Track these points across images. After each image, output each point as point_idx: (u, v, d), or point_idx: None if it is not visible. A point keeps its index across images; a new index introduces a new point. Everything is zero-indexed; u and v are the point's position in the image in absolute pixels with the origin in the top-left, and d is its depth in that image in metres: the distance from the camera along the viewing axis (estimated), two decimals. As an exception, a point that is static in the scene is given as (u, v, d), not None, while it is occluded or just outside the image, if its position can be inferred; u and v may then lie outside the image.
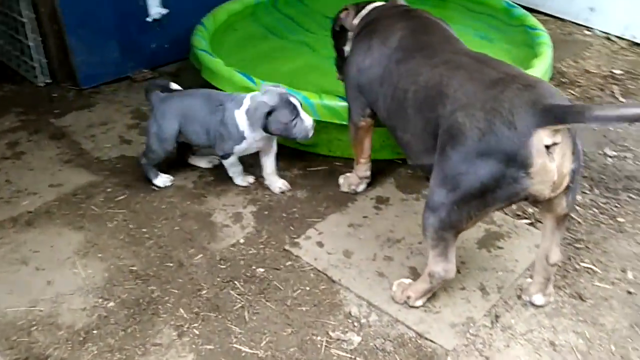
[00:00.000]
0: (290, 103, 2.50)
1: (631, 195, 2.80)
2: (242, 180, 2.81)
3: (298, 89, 2.80)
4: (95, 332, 2.12)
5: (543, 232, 2.09)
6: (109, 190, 2.81)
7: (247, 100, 2.56)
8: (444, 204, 1.91)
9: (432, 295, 2.21)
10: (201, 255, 2.45)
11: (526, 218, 2.64)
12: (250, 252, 2.47)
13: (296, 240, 2.51)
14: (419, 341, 2.08)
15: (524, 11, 3.80)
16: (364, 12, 2.63)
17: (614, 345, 2.06)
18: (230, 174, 2.79)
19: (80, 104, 3.54)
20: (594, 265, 2.39)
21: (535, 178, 1.77)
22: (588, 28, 4.50)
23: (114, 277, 2.34)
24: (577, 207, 2.70)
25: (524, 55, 3.41)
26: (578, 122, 1.70)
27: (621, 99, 3.64)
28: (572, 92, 3.70)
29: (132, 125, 3.32)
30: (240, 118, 2.56)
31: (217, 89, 3.10)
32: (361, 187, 2.77)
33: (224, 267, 2.40)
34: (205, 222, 2.62)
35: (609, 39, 4.37)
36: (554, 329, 2.12)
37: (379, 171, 2.86)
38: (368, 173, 2.75)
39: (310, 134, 2.55)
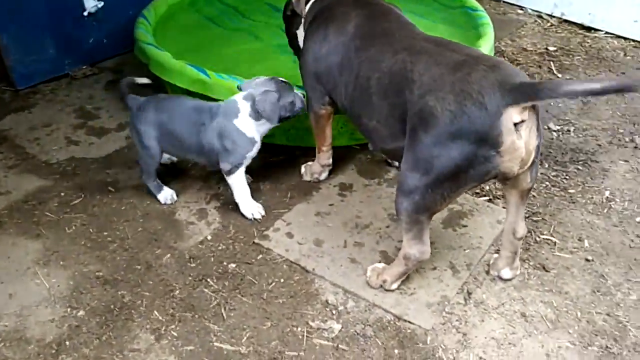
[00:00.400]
0: (283, 82, 2.47)
1: (578, 167, 2.94)
2: (255, 207, 2.57)
3: (245, 78, 2.77)
4: (68, 343, 2.04)
5: (508, 208, 2.17)
6: (62, 194, 2.70)
7: (242, 104, 2.43)
8: (418, 188, 1.95)
9: (406, 277, 2.25)
10: (169, 255, 2.40)
11: (485, 195, 2.73)
12: (220, 248, 2.43)
13: (265, 232, 2.49)
14: (398, 323, 2.12)
15: (463, -8, 3.88)
16: None
17: (580, 311, 2.17)
18: (239, 198, 2.54)
19: (18, 105, 3.36)
20: (552, 236, 2.50)
21: (505, 156, 1.83)
22: (520, 7, 4.67)
23: (80, 285, 2.25)
24: (531, 182, 2.81)
25: (467, 37, 3.49)
26: (549, 98, 1.77)
27: (558, 74, 3.80)
28: (512, 70, 3.82)
29: (78, 126, 3.18)
30: (245, 124, 2.43)
31: (167, 83, 3.03)
32: (323, 175, 2.78)
33: (194, 265, 2.36)
34: (169, 221, 2.56)
35: (540, 17, 4.54)
36: (523, 300, 2.21)
37: (339, 158, 2.87)
38: (330, 161, 2.76)
39: (304, 103, 2.54)
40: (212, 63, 3.12)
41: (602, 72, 3.83)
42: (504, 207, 2.63)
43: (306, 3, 2.65)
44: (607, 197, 2.73)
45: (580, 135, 3.21)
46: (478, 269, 2.34)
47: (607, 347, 2.04)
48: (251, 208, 2.55)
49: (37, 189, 2.72)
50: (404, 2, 3.95)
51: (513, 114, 1.78)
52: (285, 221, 2.55)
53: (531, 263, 2.37)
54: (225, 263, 2.36)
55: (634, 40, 4.18)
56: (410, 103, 1.97)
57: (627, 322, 2.13)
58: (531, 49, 4.11)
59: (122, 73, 3.63)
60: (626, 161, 2.97)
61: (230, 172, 2.48)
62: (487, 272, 2.32)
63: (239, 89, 2.53)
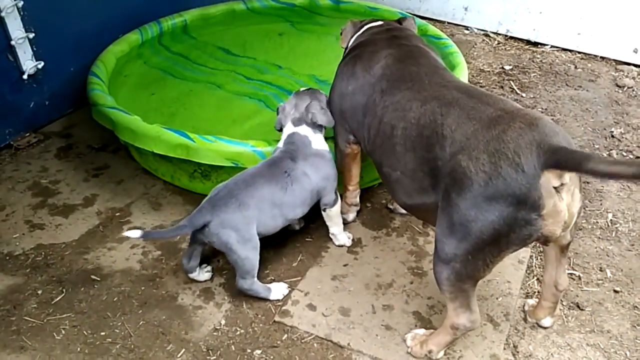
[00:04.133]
0: (304, 92, 2.48)
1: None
2: (345, 235, 2.54)
3: (221, 135, 2.58)
4: None
5: (547, 261, 2.08)
6: (39, 292, 2.36)
7: (304, 129, 2.40)
8: (457, 255, 1.82)
9: (447, 339, 2.12)
10: (183, 350, 2.14)
11: (495, 233, 2.65)
12: (238, 333, 2.20)
13: (284, 308, 2.28)
14: (454, 393, 1.98)
15: (423, 21, 3.84)
16: (359, 32, 2.52)
17: (627, 350, 2.13)
18: (337, 228, 2.50)
19: (-41, 188, 2.95)
20: (574, 269, 2.46)
21: (547, 219, 1.71)
22: (466, 27, 4.71)
23: (90, 405, 1.95)
24: (534, 212, 2.76)
25: (437, 66, 3.43)
26: (590, 174, 1.64)
27: (521, 93, 3.83)
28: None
29: (37, 205, 2.82)
30: (319, 142, 2.41)
31: (136, 149, 2.75)
32: (351, 216, 2.66)
33: (214, 358, 2.11)
34: (173, 308, 2.29)
35: (487, 35, 4.60)
36: (569, 346, 2.14)
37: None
38: (357, 200, 2.66)
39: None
40: (183, 124, 2.88)
41: (561, 88, 3.90)
42: (518, 244, 2.57)
43: (351, 38, 2.55)
44: (611, 219, 2.73)
45: (562, 156, 3.22)
46: (516, 317, 2.24)
47: (665, 385, 1.99)
48: (345, 235, 2.54)
49: (8, 289, 2.36)
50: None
51: (551, 178, 1.67)
52: (302, 291, 2.35)
53: (564, 303, 2.31)
54: (249, 350, 2.13)
55: (579, 52, 4.30)
56: (441, 160, 1.85)
57: (675, 354, 2.10)
58: (488, 69, 4.13)
59: (71, 137, 3.29)
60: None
61: (335, 202, 2.42)
62: (525, 320, 2.23)
63: (279, 115, 2.47)
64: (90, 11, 3.48)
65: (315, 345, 2.15)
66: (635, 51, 4.12)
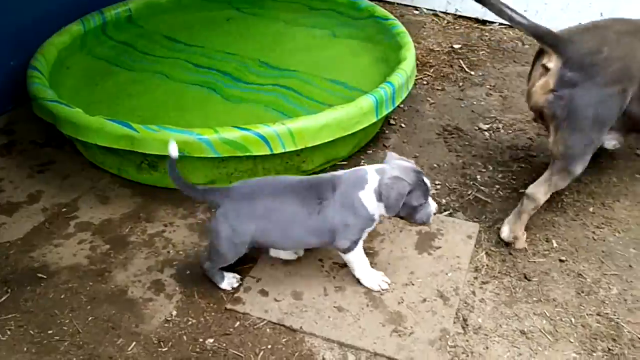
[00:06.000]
0: (424, 184, 2.09)
1: (520, 164, 2.99)
2: (379, 277, 2.26)
3: (166, 124, 2.55)
4: None
5: None
6: (-18, 294, 2.29)
7: (372, 176, 2.09)
8: None
9: (398, 317, 2.14)
10: (134, 343, 2.11)
11: (445, 210, 2.68)
12: (190, 323, 2.18)
13: (236, 295, 2.27)
14: (406, 369, 2.00)
15: (370, 2, 3.84)
16: None
17: (573, 317, 2.18)
18: (360, 272, 2.23)
19: None
20: (520, 243, 2.50)
21: None
22: (415, 7, 4.72)
23: (38, 404, 1.91)
24: (483, 188, 2.81)
25: (385, 49, 3.45)
26: None
27: (470, 71, 3.87)
28: (427, 73, 3.85)
29: (-21, 205, 2.74)
30: (368, 199, 2.08)
31: (81, 142, 2.69)
32: None
33: (166, 349, 2.09)
34: (123, 302, 2.26)
35: (436, 15, 4.62)
36: (517, 316, 2.18)
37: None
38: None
39: (431, 220, 2.17)
40: (130, 114, 2.82)
41: (508, 64, 3.95)
42: (466, 220, 2.61)
43: None
44: (558, 192, 2.78)
45: (510, 131, 3.27)
46: (465, 291, 2.28)
47: (609, 349, 2.05)
48: (376, 279, 2.25)
49: (-51, 293, 2.29)
50: (307, 18, 3.87)
51: None
52: (254, 277, 2.34)
53: (512, 274, 2.35)
54: (201, 340, 2.11)
55: (526, 29, 4.35)
56: None
57: (618, 318, 2.16)
58: (438, 49, 4.15)
59: (14, 133, 3.19)
60: (561, 152, 3.05)
61: (349, 250, 2.16)
62: (474, 293, 2.27)
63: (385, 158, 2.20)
64: (30, 3, 3.37)
65: (267, 330, 2.14)
66: (580, 26, 4.18)
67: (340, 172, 2.18)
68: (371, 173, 2.11)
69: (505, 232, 2.44)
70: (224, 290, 2.28)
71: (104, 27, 3.68)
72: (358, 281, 2.28)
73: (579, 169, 2.34)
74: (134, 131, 2.50)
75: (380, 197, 2.07)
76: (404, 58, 3.10)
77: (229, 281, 2.28)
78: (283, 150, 2.56)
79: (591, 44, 2.24)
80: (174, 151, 2.03)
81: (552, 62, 2.26)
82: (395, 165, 2.12)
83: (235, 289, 2.28)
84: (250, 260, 2.40)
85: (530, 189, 2.39)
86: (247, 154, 2.54)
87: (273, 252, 2.40)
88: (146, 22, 3.85)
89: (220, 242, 2.12)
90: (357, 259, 2.21)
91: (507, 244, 2.46)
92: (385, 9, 3.84)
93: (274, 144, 2.54)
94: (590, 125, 2.25)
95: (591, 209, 2.67)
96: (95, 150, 2.79)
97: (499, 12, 2.37)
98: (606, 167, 2.92)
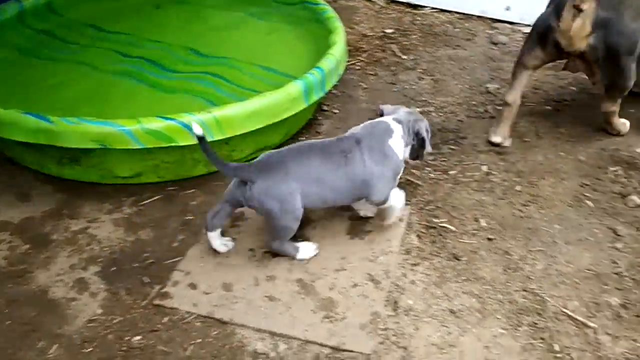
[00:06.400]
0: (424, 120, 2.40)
1: (450, 146, 3.02)
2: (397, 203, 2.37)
3: (89, 116, 2.45)
4: None
5: None
6: None
7: (394, 125, 2.29)
8: None
9: (329, 303, 2.13)
10: (56, 345, 2.02)
11: (377, 194, 2.69)
12: (115, 321, 2.11)
13: (163, 290, 2.21)
14: (337, 355, 2.00)
15: (300, -14, 3.79)
16: None
17: (500, 293, 2.22)
18: (393, 218, 2.39)
19: None
20: (450, 223, 2.53)
21: None
22: (348, -7, 4.69)
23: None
24: (414, 171, 2.82)
25: (315, 33, 3.41)
26: None
27: (403, 55, 3.88)
28: (360, 58, 3.84)
29: None
30: (397, 146, 2.27)
31: (2, 140, 2.55)
32: None
33: (90, 349, 2.02)
34: (44, 304, 2.16)
35: (370, 0, 4.61)
36: (447, 296, 2.21)
37: (215, 188, 2.65)
38: None
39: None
40: (51, 108, 2.69)
41: (440, 48, 3.98)
42: (398, 203, 2.61)
43: None
44: (485, 171, 2.83)
45: (442, 114, 3.30)
46: (396, 274, 2.29)
47: (534, 323, 2.10)
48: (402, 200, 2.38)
49: None
50: (241, 5, 3.80)
51: None
52: (182, 271, 2.28)
53: (442, 255, 2.38)
54: (127, 337, 2.05)
55: (457, 13, 4.40)
56: None
57: (543, 292, 2.22)
58: (371, 34, 4.15)
59: None
60: (486, 132, 3.10)
61: (385, 200, 2.29)
62: (405, 275, 2.28)
63: (381, 113, 2.41)
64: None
65: (197, 324, 2.09)
66: (508, 8, 4.26)
67: (356, 128, 2.32)
68: (392, 122, 2.29)
69: (612, 130, 2.97)
70: (153, 285, 2.22)
71: (22, 16, 3.51)
72: (289, 270, 2.26)
73: (629, 84, 2.74)
74: (51, 124, 2.39)
75: (406, 142, 2.30)
76: (334, 43, 3.08)
77: (305, 249, 2.28)
78: (210, 139, 2.49)
79: None
80: (197, 130, 2.05)
81: (586, 4, 2.49)
82: (402, 111, 2.37)
83: (163, 284, 2.22)
84: (178, 254, 2.34)
85: (605, 107, 2.85)
86: (172, 144, 2.46)
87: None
88: (68, 10, 3.68)
89: (277, 216, 2.14)
90: (395, 202, 2.33)
91: (436, 227, 2.49)
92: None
93: (200, 133, 2.46)
94: (626, 57, 2.62)
95: (518, 188, 2.72)
96: (13, 146, 2.65)
97: None
98: (532, 146, 2.99)
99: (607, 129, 3.00)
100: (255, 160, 2.18)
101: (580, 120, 3.16)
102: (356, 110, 3.31)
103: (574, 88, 3.49)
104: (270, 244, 2.27)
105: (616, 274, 2.28)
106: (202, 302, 2.15)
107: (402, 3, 4.55)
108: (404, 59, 3.86)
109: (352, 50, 3.91)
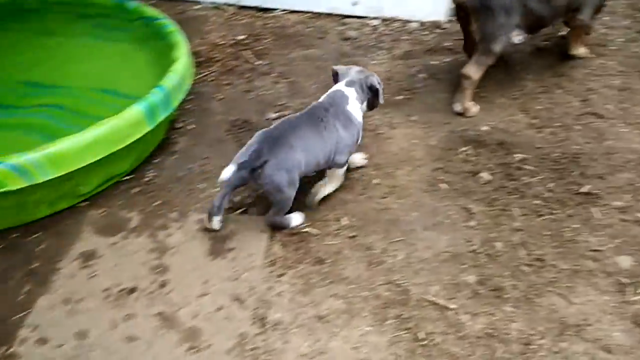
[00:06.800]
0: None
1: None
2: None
3: None
4: None
5: None
6: None
7: (347, 90, 2.56)
8: None
9: (193, 332, 2.05)
10: None
11: (239, 208, 2.62)
12: (-44, 396, 1.90)
13: (9, 351, 2.02)
14: (206, 385, 1.92)
15: (138, 3, 3.63)
16: None
17: (364, 290, 2.24)
18: (335, 186, 2.60)
19: None
20: (314, 227, 2.52)
21: None
22: (197, 2, 4.58)
23: None
24: (274, 178, 2.79)
25: (157, 50, 3.28)
26: None
27: (257, 60, 3.84)
28: (214, 68, 3.75)
29: None
30: (355, 109, 2.53)
31: None
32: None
33: None
34: None
35: (218, 8, 4.51)
36: (313, 302, 2.19)
37: (65, 228, 2.48)
38: None
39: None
40: None
41: (294, 50, 3.98)
42: (261, 214, 2.57)
43: None
44: (347, 169, 2.84)
45: (299, 116, 3.29)
46: (262, 288, 2.24)
47: (399, 315, 2.14)
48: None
49: None
50: (75, 26, 3.59)
51: None
52: (30, 326, 2.10)
53: (307, 260, 2.36)
54: (-29, 412, 1.85)
55: (308, 12, 4.42)
56: None
57: (405, 282, 2.26)
58: (222, 42, 4.07)
59: None
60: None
61: (344, 164, 2.52)
62: (270, 288, 2.23)
63: (335, 75, 2.64)
64: None
65: (51, 382, 1.93)
66: (355, 3, 4.34)
67: (322, 98, 2.57)
68: (345, 88, 2.56)
69: (457, 107, 3.10)
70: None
71: None
72: (148, 305, 2.14)
73: (497, 48, 2.96)
74: None
75: (362, 101, 2.56)
76: (176, 58, 2.97)
77: (296, 218, 2.48)
78: (46, 179, 2.32)
79: None
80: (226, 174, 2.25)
81: None
82: (353, 71, 2.60)
83: (10, 344, 2.03)
84: (23, 308, 2.16)
85: (465, 70, 3.02)
86: (4, 189, 2.26)
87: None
88: None
89: (284, 189, 2.33)
90: (342, 174, 2.58)
91: (298, 234, 2.47)
92: (165, 8, 3.67)
93: (33, 173, 2.29)
94: (498, 12, 2.86)
95: (376, 181, 2.76)
96: None
97: None
98: (387, 137, 3.05)
99: (456, 103, 3.12)
100: (252, 143, 2.32)
101: (430, 107, 3.27)
102: (212, 123, 3.22)
103: (423, 75, 3.60)
104: (273, 219, 2.45)
105: (471, 252, 2.37)
106: (55, 357, 1.99)
107: (252, 8, 4.50)
108: (259, 64, 3.82)
109: (205, 61, 3.81)
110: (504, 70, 3.51)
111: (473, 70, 3.02)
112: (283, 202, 2.38)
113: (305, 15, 4.40)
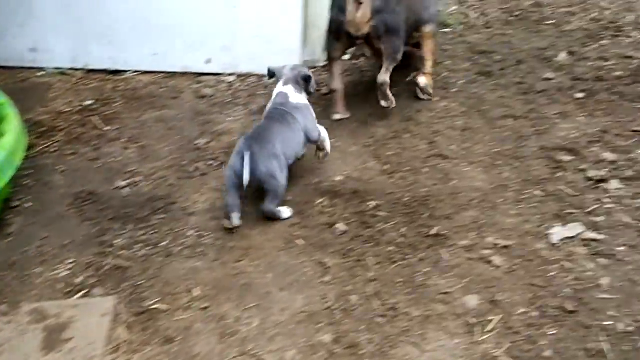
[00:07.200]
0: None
1: (160, 216, 2.87)
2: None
3: None
4: None
5: None
6: None
7: (286, 88, 3.06)
8: None
9: None
10: None
11: (80, 291, 2.42)
12: None
13: None
14: None
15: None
16: None
17: (217, 366, 2.10)
18: (328, 144, 3.11)
19: None
20: (163, 302, 2.37)
21: None
22: (40, 69, 4.33)
23: None
24: (122, 252, 2.63)
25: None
26: None
27: (105, 126, 3.66)
28: (56, 138, 3.53)
29: None
30: (301, 100, 3.06)
31: None
32: None
33: None
34: None
35: (64, 74, 4.29)
36: (162, 387, 2.03)
37: None
38: None
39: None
40: None
41: (146, 112, 3.84)
42: (104, 295, 2.38)
43: None
44: (197, 235, 2.74)
45: (151, 182, 3.15)
46: (103, 381, 2.04)
47: (252, 389, 2.02)
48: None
49: None
50: None
51: None
52: None
53: (155, 341, 2.20)
54: None
55: (160, 72, 4.32)
56: None
57: (259, 352, 2.16)
58: (68, 109, 3.85)
59: None
60: (198, 192, 3.03)
61: (319, 134, 3.04)
62: (114, 379, 2.05)
63: (273, 75, 3.16)
64: None
65: None
66: (209, 61, 4.30)
67: (271, 103, 3.06)
68: (284, 88, 3.07)
69: (385, 103, 3.48)
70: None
71: None
72: None
73: (400, 56, 3.47)
74: None
75: (300, 92, 3.07)
76: (3, 133, 2.74)
77: (285, 211, 2.81)
78: None
79: None
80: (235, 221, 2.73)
81: None
82: (287, 70, 3.11)
83: None
84: None
85: (381, 78, 3.41)
86: None
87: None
88: None
89: (278, 175, 2.73)
90: (325, 134, 3.08)
91: (147, 312, 2.31)
92: (5, 76, 3.41)
93: None
94: (399, 30, 3.39)
95: (231, 244, 2.67)
96: None
97: None
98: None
99: (383, 100, 3.49)
100: (239, 150, 2.69)
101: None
102: (52, 198, 3.00)
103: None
104: (269, 208, 2.75)
105: (327, 309, 2.32)
106: None
107: (101, 71, 4.32)
108: (107, 130, 3.64)
109: (47, 130, 3.60)
110: (356, 120, 3.61)
111: (387, 76, 3.45)
112: (277, 189, 2.73)
113: (159, 76, 4.31)
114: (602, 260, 2.45)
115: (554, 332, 2.17)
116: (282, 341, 2.19)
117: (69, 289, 2.41)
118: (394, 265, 2.52)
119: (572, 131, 3.32)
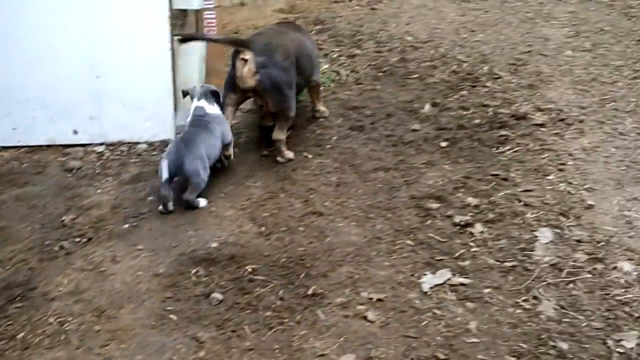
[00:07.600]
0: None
1: (18, 304, 2.66)
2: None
3: None
4: None
5: None
6: None
7: (201, 103, 3.54)
8: None
9: None
10: None
11: None
12: None
13: None
14: None
15: None
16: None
17: None
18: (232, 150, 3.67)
19: None
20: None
21: None
22: None
23: None
24: (-30, 351, 2.36)
25: None
26: None
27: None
28: None
29: None
30: (216, 111, 3.58)
31: None
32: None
33: None
34: None
35: None
36: None
37: None
38: None
39: None
40: None
41: (5, 190, 3.59)
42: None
43: None
44: (58, 322, 2.54)
45: (10, 267, 2.94)
46: None
47: None
48: None
49: None
50: None
51: None
52: None
53: None
54: None
55: (22, 147, 4.08)
56: None
57: None
58: None
59: None
60: (62, 274, 2.83)
61: (231, 139, 3.63)
62: None
63: (187, 94, 3.65)
64: None
65: None
66: (76, 132, 4.13)
67: (190, 116, 3.53)
68: (199, 102, 3.54)
69: (282, 159, 3.69)
70: None
71: None
72: None
73: (292, 112, 3.66)
74: None
75: (212, 103, 3.56)
76: None
77: (203, 201, 3.31)
78: None
79: (264, 39, 3.63)
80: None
81: (248, 55, 3.48)
82: (198, 88, 3.62)
83: None
84: None
85: (275, 136, 3.64)
86: None
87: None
88: None
89: (200, 173, 3.26)
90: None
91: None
92: None
93: None
94: (285, 84, 3.58)
95: (97, 328, 2.51)
96: None
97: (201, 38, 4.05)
98: (109, 273, 2.82)
99: (278, 157, 3.69)
100: (170, 152, 3.28)
101: (157, 231, 3.15)
102: None
103: (151, 197, 3.48)
104: (190, 197, 3.26)
105: (200, 388, 2.21)
106: None
107: (-45, 150, 4.02)
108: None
109: None
110: (232, 182, 3.57)
111: (281, 134, 3.66)
112: (199, 184, 3.26)
113: (21, 151, 4.07)
114: (470, 304, 2.52)
115: (429, 382, 2.19)
116: None
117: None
118: (270, 332, 2.46)
119: (438, 179, 3.47)
